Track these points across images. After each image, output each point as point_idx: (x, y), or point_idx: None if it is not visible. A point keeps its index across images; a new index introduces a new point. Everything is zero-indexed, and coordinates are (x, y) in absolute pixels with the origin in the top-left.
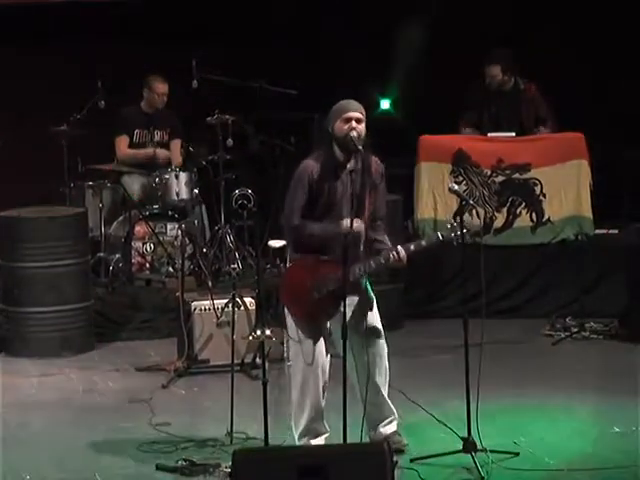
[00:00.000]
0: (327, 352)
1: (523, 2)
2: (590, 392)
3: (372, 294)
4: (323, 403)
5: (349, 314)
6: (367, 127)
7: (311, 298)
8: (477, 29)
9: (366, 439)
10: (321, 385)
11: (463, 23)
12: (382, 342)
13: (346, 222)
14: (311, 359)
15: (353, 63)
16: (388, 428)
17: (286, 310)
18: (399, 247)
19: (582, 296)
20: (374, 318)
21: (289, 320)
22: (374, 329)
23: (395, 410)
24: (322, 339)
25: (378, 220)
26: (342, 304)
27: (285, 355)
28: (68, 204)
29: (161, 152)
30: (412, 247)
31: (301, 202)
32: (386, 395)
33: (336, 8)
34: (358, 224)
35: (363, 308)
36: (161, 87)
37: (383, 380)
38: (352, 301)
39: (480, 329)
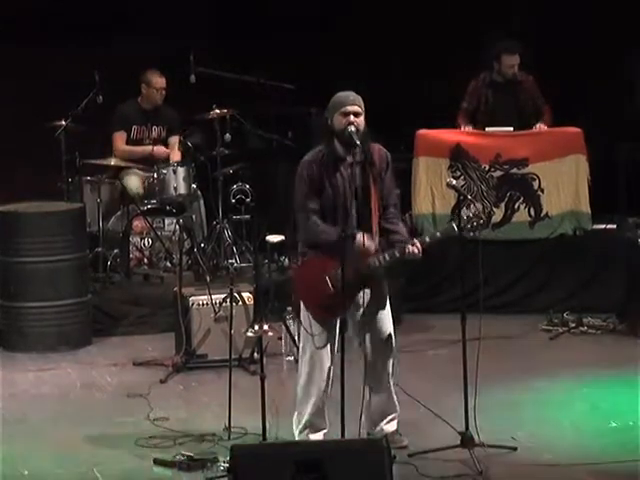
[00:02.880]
0: (334, 346)
1: None
2: (588, 387)
3: (386, 287)
4: (327, 397)
5: (364, 306)
6: (366, 119)
7: (326, 292)
8: (474, 25)
9: (364, 434)
10: (326, 378)
11: (460, 18)
12: (391, 335)
13: (359, 238)
14: (320, 351)
15: (350, 58)
16: (389, 426)
17: (301, 303)
18: (415, 240)
19: (580, 291)
20: (387, 312)
21: (303, 313)
22: (386, 323)
23: (398, 406)
24: (332, 333)
25: (390, 207)
26: (356, 298)
27: (283, 349)
28: (66, 199)
29: (159, 149)
30: (427, 239)
31: (309, 198)
32: (393, 390)
33: (333, 3)
34: (369, 241)
35: (377, 301)
36: (159, 82)
37: (391, 374)
38: (366, 294)
39: (478, 324)
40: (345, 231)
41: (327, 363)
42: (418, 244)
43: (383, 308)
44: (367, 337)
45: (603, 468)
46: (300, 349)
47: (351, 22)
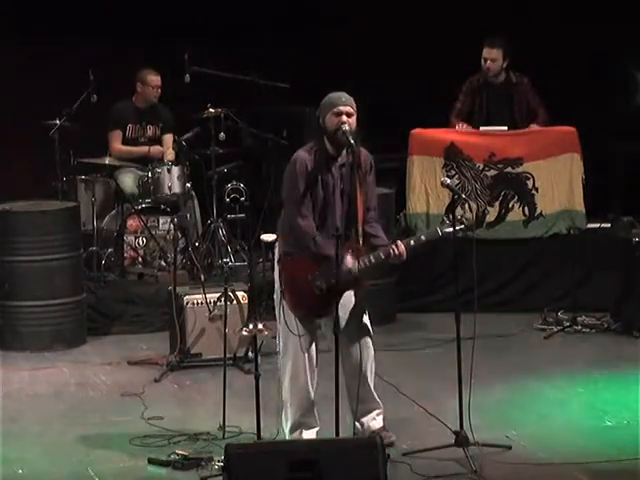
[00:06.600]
0: (317, 346)
1: None
2: (582, 385)
3: (366, 289)
4: (313, 395)
5: (347, 309)
6: (358, 120)
7: (312, 293)
8: (469, 24)
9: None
10: (310, 378)
11: (457, 17)
12: (370, 335)
13: (350, 262)
14: (304, 351)
15: (347, 57)
16: (375, 423)
17: (284, 302)
18: (399, 242)
19: (574, 290)
20: (366, 314)
21: (287, 312)
22: (364, 323)
23: (381, 402)
24: (315, 333)
25: (371, 211)
26: (341, 299)
27: (278, 348)
28: (60, 198)
29: (155, 149)
30: (412, 242)
31: (300, 195)
32: (372, 387)
33: (330, 2)
34: (354, 263)
35: (360, 304)
36: (155, 80)
37: (370, 373)
38: (350, 295)
39: (472, 323)
40: (338, 230)
41: (311, 363)
42: (402, 247)
43: (363, 311)
44: (347, 339)
45: (598, 467)
46: (280, 350)
47: (348, 21)
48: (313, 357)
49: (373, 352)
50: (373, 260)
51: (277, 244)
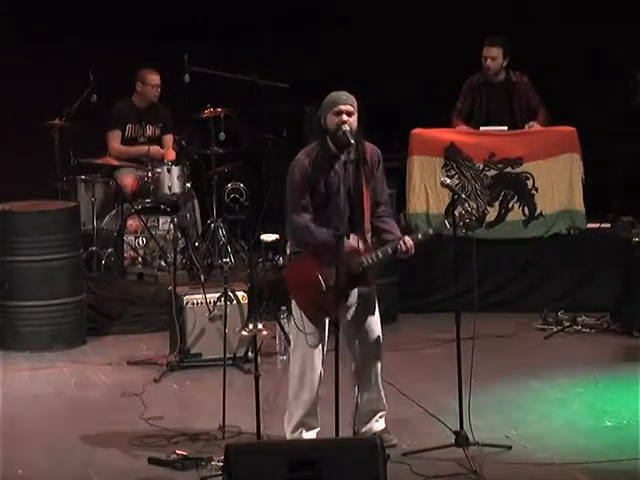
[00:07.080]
0: (325, 345)
1: None
2: (582, 386)
3: (375, 287)
4: (318, 395)
5: (355, 305)
6: (359, 118)
7: (318, 291)
8: (469, 24)
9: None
10: (317, 376)
11: (457, 17)
12: (381, 337)
13: (351, 241)
14: (312, 350)
15: (346, 56)
16: (378, 425)
17: (293, 301)
18: (406, 237)
19: (574, 290)
20: (376, 313)
21: (296, 311)
22: (374, 320)
23: (386, 404)
24: (323, 332)
25: (382, 205)
26: (349, 296)
27: (277, 348)
28: (60, 198)
29: (154, 150)
30: (420, 236)
31: (302, 197)
32: (382, 389)
33: (329, 2)
34: (360, 243)
35: (369, 300)
36: (154, 79)
37: (379, 374)
38: (358, 292)
39: (472, 323)
40: (339, 230)
41: (319, 363)
42: (410, 241)
43: (373, 309)
44: (357, 338)
45: (597, 467)
46: (291, 349)
47: (347, 21)
48: (320, 355)
49: (383, 352)
50: (380, 255)
51: (288, 245)
